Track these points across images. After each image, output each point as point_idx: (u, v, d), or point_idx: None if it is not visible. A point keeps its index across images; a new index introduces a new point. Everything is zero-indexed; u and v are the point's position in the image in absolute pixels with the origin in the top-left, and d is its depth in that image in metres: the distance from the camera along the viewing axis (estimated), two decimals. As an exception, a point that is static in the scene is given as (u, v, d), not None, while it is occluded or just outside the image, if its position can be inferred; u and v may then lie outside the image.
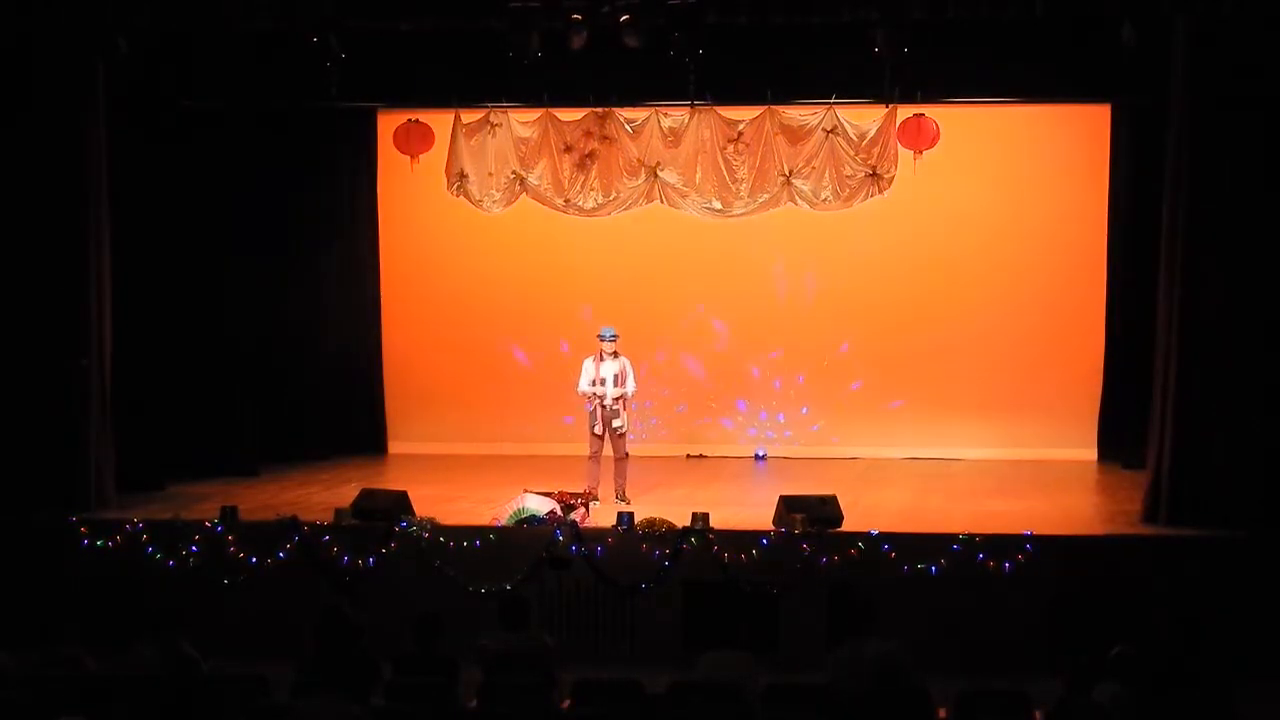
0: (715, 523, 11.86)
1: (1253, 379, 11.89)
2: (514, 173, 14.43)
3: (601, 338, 13.63)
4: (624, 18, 12.38)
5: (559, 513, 12.18)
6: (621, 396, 13.58)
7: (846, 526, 11.88)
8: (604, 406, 13.54)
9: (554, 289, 17.12)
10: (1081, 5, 12.41)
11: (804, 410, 16.94)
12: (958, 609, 11.27)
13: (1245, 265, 11.90)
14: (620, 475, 13.62)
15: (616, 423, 13.56)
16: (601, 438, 13.62)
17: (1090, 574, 11.34)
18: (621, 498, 13.46)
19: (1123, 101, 15.10)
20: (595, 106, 14.22)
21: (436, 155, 14.69)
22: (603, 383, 13.54)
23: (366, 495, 12.55)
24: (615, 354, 13.62)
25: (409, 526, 12.03)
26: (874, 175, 13.83)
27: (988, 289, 16.61)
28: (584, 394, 13.65)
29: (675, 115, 14.18)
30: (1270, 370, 11.90)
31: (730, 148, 14.10)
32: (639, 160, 14.23)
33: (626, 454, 13.74)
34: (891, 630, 9.26)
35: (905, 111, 13.79)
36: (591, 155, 14.28)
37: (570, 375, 14.23)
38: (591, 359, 13.66)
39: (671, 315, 17.02)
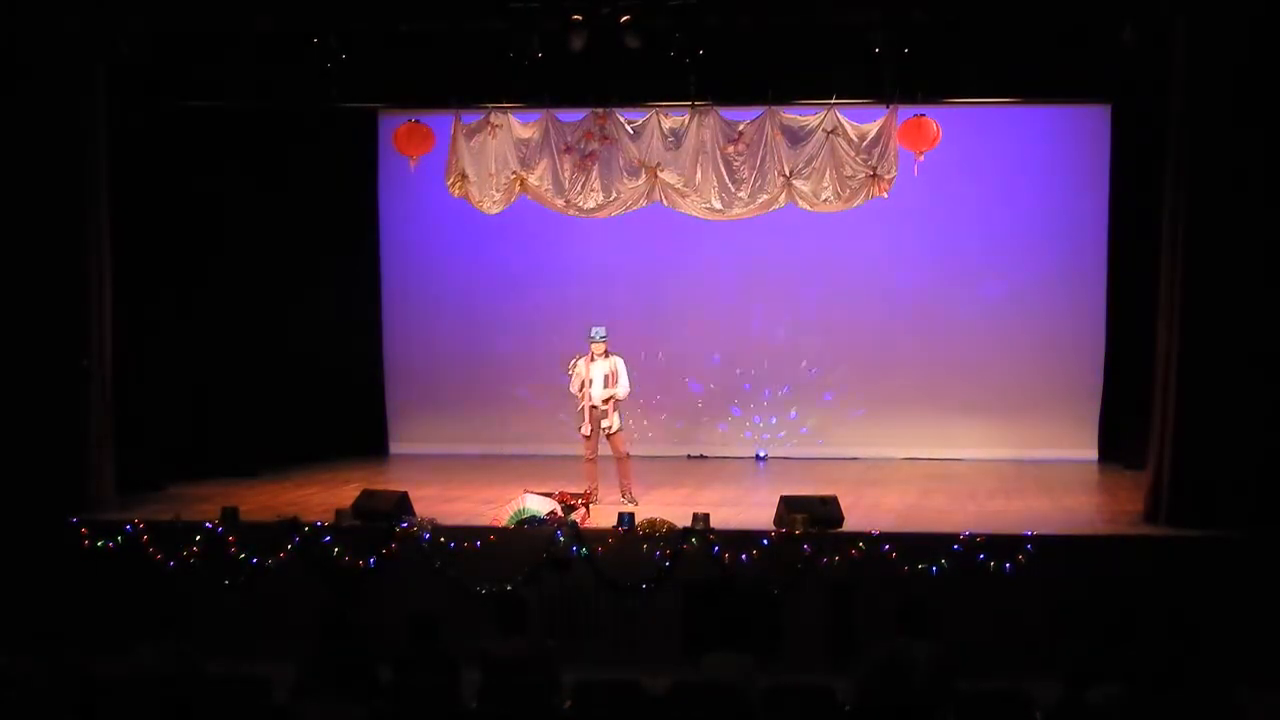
0: (716, 523, 11.84)
1: (1253, 380, 11.87)
2: (514, 173, 14.40)
3: (590, 338, 13.62)
4: (624, 18, 12.39)
5: (559, 513, 12.17)
6: (611, 398, 13.56)
7: (847, 527, 11.87)
8: (592, 407, 13.53)
9: (554, 289, 17.12)
10: (1081, 6, 12.41)
11: (792, 414, 16.97)
12: (958, 609, 11.24)
13: (1245, 265, 11.88)
14: (624, 475, 13.58)
15: (605, 423, 13.52)
16: (591, 439, 13.59)
17: (1090, 574, 11.32)
18: (627, 498, 13.43)
19: (1123, 102, 15.11)
20: (595, 107, 14.21)
21: (436, 155, 14.68)
22: (590, 384, 13.53)
23: (367, 496, 12.54)
24: (605, 354, 13.61)
25: (410, 527, 12.02)
26: (874, 176, 13.80)
27: (988, 289, 16.62)
28: (573, 395, 13.67)
29: (675, 116, 14.17)
30: (1270, 371, 11.88)
31: (731, 148, 14.06)
32: (639, 161, 14.20)
33: (627, 454, 13.71)
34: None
35: (905, 112, 13.79)
36: (592, 156, 14.25)
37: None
38: (582, 360, 13.65)
39: (671, 316, 17.02)
